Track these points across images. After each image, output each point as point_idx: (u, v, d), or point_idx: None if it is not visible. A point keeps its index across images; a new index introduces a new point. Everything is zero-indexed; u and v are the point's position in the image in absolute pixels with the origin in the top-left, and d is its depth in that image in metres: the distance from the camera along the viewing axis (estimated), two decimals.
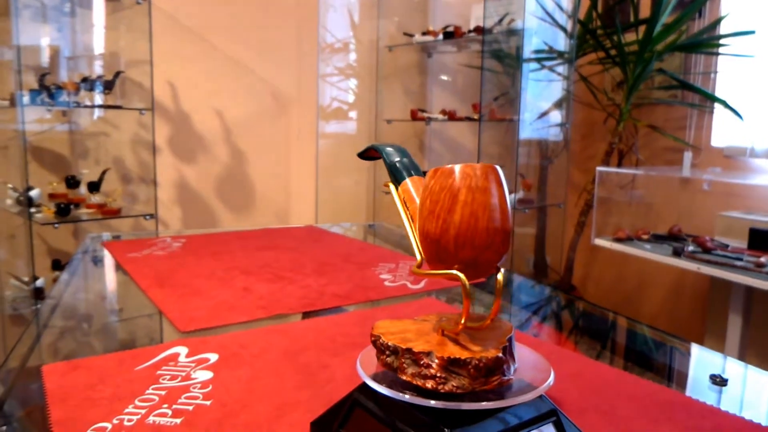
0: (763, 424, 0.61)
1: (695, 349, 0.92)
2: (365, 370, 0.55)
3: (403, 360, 0.51)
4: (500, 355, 0.48)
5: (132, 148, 2.81)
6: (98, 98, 2.54)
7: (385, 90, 3.35)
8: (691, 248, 2.35)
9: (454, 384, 0.48)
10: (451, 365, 0.48)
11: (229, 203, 3.09)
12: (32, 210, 2.41)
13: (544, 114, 3.16)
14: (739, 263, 2.12)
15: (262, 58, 3.07)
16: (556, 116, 3.20)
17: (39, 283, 2.45)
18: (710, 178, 2.69)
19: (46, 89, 2.41)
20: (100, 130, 2.78)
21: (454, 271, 0.49)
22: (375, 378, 0.53)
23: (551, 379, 0.53)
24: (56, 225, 2.38)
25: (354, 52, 3.34)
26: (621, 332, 1.04)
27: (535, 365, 0.56)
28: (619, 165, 3.13)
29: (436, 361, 0.48)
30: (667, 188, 3.00)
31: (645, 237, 2.61)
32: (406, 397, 0.49)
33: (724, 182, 2.70)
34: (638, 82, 2.86)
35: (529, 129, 3.08)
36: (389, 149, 0.62)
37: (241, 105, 3.06)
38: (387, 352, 0.53)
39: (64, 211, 2.38)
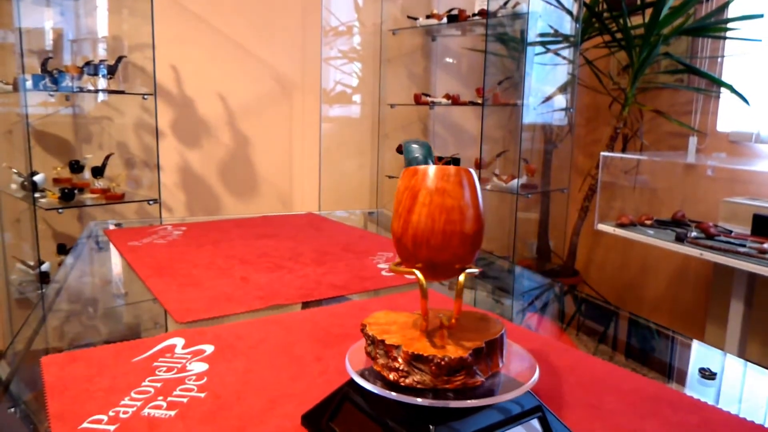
0: (749, 418, 0.62)
1: (689, 343, 0.93)
2: (355, 365, 0.56)
3: (377, 350, 0.52)
4: (465, 356, 0.48)
5: (135, 132, 2.81)
6: (102, 83, 2.54)
7: (389, 74, 3.33)
8: (694, 234, 2.35)
9: (416, 379, 0.49)
10: (414, 360, 0.49)
11: (232, 188, 3.10)
12: (36, 195, 2.42)
13: (548, 98, 3.14)
14: (742, 249, 2.11)
15: (265, 42, 3.06)
16: (561, 101, 3.18)
17: (44, 267, 2.47)
18: (714, 163, 2.67)
19: (49, 74, 2.41)
20: (104, 114, 2.79)
21: (415, 270, 0.49)
22: (363, 374, 0.54)
23: (536, 377, 0.53)
24: (60, 210, 2.40)
25: (357, 35, 3.32)
26: (618, 325, 1.05)
27: (522, 361, 0.57)
28: (624, 150, 3.11)
29: (402, 355, 0.49)
30: (671, 173, 2.99)
31: (648, 222, 2.61)
32: (393, 394, 0.50)
33: (728, 168, 2.69)
34: (644, 66, 2.83)
35: (533, 113, 3.06)
36: (413, 146, 0.62)
37: (244, 89, 3.05)
38: (368, 342, 0.54)
39: (68, 196, 2.40)
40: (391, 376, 0.50)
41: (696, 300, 2.91)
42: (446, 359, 0.48)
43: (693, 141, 2.73)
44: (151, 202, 2.65)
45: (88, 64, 2.52)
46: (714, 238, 2.29)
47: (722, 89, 2.74)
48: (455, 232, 0.48)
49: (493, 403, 0.51)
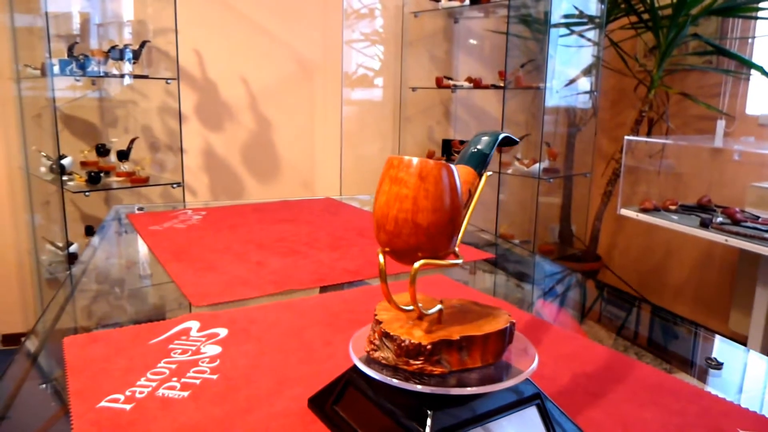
0: (751, 408, 0.62)
1: (703, 334, 0.93)
2: (358, 351, 0.58)
3: (373, 327, 0.56)
4: (425, 344, 0.50)
5: (160, 116, 2.86)
6: (128, 66, 2.58)
7: (411, 57, 3.32)
8: (719, 220, 2.31)
9: (382, 355, 0.53)
10: (384, 337, 0.53)
11: (255, 171, 3.13)
12: (64, 178, 2.49)
13: (572, 81, 3.10)
14: None
15: (287, 25, 3.07)
16: (585, 83, 3.13)
17: (73, 248, 2.54)
18: (741, 148, 2.62)
19: (75, 58, 2.45)
20: (129, 98, 2.83)
21: (379, 251, 0.53)
22: (366, 359, 0.56)
23: (534, 365, 0.55)
24: (87, 193, 2.46)
25: (379, 18, 3.31)
26: (633, 314, 1.05)
27: (522, 349, 0.58)
28: (649, 133, 3.07)
29: (378, 330, 0.54)
30: (697, 158, 2.93)
31: (672, 208, 2.57)
32: (395, 381, 0.52)
33: (757, 153, 2.63)
34: (671, 47, 2.78)
35: (556, 97, 3.03)
36: (482, 138, 0.63)
37: (267, 72, 3.07)
38: (375, 320, 0.57)
39: (94, 179, 2.45)
40: (367, 347, 0.55)
41: (720, 286, 2.87)
42: (406, 342, 0.51)
43: (721, 124, 2.68)
44: (174, 186, 2.69)
45: (113, 48, 2.56)
46: (740, 224, 2.25)
47: (752, 71, 2.67)
48: (407, 221, 0.50)
49: (491, 390, 0.52)
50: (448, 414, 0.51)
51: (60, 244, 2.61)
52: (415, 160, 0.50)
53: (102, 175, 2.52)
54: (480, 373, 0.54)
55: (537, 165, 2.92)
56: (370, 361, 0.55)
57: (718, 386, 0.72)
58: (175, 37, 2.61)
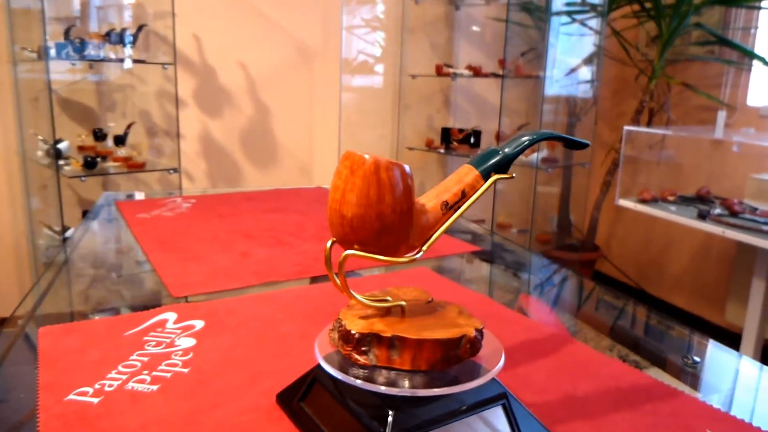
0: (723, 408, 0.62)
1: (685, 333, 0.92)
2: (324, 349, 0.57)
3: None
4: (353, 332, 0.53)
5: (158, 101, 2.85)
6: (128, 50, 2.56)
7: (411, 44, 3.29)
8: (717, 211, 2.30)
9: (332, 335, 0.56)
10: (339, 323, 0.56)
11: (253, 158, 3.13)
12: (61, 162, 2.48)
13: (573, 70, 3.07)
14: (766, 228, 2.07)
15: (286, 10, 3.04)
16: (586, 73, 3.11)
17: (69, 233, 2.55)
18: (741, 139, 2.59)
19: (72, 42, 2.44)
20: (127, 83, 2.82)
21: (328, 242, 0.55)
22: (329, 358, 0.55)
23: (500, 364, 0.54)
24: (83, 178, 2.46)
25: (380, 3, 3.28)
26: (620, 311, 1.04)
27: (489, 347, 0.58)
28: (650, 123, 3.04)
29: (340, 314, 0.57)
30: (697, 148, 2.91)
31: (671, 198, 2.56)
32: (358, 382, 0.51)
33: (757, 144, 2.61)
34: (674, 37, 2.75)
35: (556, 86, 3.00)
36: (518, 137, 0.61)
37: (265, 58, 3.05)
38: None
39: (90, 164, 2.45)
40: (328, 328, 0.58)
41: (718, 277, 2.86)
42: (343, 327, 0.54)
43: (721, 115, 2.65)
44: (171, 172, 2.69)
45: (110, 32, 2.54)
46: (738, 216, 2.24)
47: (754, 62, 2.65)
48: (335, 211, 0.52)
49: (455, 392, 0.51)
50: (411, 414, 0.51)
51: (57, 229, 2.62)
52: (357, 156, 0.52)
53: (98, 160, 2.52)
54: (445, 372, 0.53)
55: (535, 155, 2.90)
56: (335, 358, 0.55)
57: (695, 385, 0.72)
58: (173, 21, 2.59)
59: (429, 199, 0.57)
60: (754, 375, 0.76)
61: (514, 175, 0.60)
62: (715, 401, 0.64)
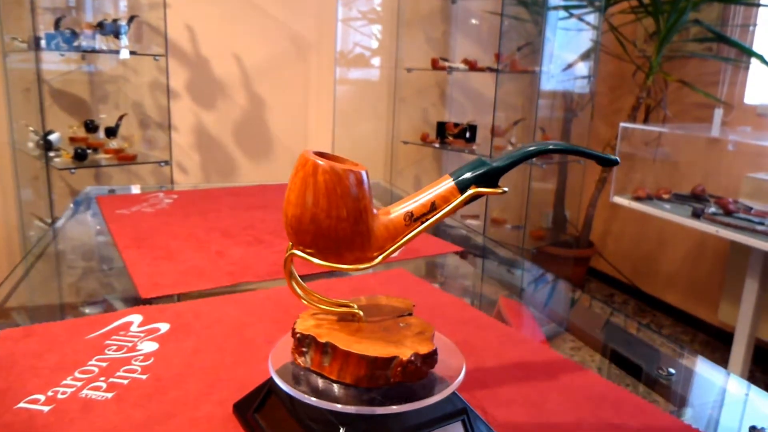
0: (694, 424, 0.60)
1: (666, 343, 0.90)
2: (282, 358, 0.55)
3: None
4: (295, 330, 0.53)
5: (151, 93, 2.82)
6: (124, 40, 2.53)
7: (407, 37, 3.26)
8: (711, 210, 2.28)
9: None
10: (298, 321, 0.56)
11: (247, 150, 3.10)
12: (52, 154, 2.46)
13: (570, 66, 3.04)
14: (760, 228, 2.05)
15: (281, 1, 3.01)
16: (582, 68, 3.08)
17: (60, 224, 2.53)
18: (737, 138, 2.57)
19: (62, 33, 2.41)
20: (120, 74, 2.79)
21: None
22: (285, 369, 0.54)
23: (460, 378, 0.52)
24: (73, 170, 2.44)
25: None
26: (598, 319, 1.03)
27: (450, 360, 0.56)
28: (646, 120, 3.02)
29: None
30: (693, 146, 2.89)
31: (666, 196, 2.54)
32: (307, 398, 0.50)
33: (753, 143, 2.58)
34: (671, 33, 2.72)
35: (553, 81, 2.97)
36: (517, 150, 0.55)
37: (259, 49, 3.02)
38: None
39: (81, 156, 2.43)
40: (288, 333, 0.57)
41: (711, 276, 2.84)
42: (297, 334, 0.53)
43: (718, 113, 2.63)
44: (162, 164, 2.67)
45: (102, 22, 2.51)
46: (732, 215, 2.22)
47: (752, 60, 2.62)
48: (283, 210, 0.52)
49: (411, 409, 0.50)
50: (364, 431, 0.49)
51: (48, 220, 2.60)
52: (304, 157, 0.51)
53: (90, 151, 2.49)
54: (406, 386, 0.51)
55: None
56: (291, 371, 0.53)
57: (668, 397, 0.70)
58: (164, 11, 2.56)
59: (398, 208, 0.55)
60: (731, 390, 0.74)
61: (506, 189, 0.54)
62: (688, 416, 0.63)
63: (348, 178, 0.51)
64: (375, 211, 0.55)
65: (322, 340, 0.51)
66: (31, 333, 0.74)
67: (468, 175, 0.53)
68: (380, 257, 0.53)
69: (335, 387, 0.51)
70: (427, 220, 0.53)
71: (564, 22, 2.97)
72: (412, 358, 0.50)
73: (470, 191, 0.53)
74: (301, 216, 0.51)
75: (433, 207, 0.54)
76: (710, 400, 0.69)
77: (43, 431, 0.55)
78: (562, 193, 3.25)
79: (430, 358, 0.51)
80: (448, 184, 0.54)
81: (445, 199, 0.53)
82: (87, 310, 0.85)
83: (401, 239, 0.53)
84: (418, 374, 0.51)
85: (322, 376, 0.52)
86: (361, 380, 0.50)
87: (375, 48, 3.29)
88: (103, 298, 0.91)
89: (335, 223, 0.51)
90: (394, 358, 0.49)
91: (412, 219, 0.54)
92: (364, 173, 0.54)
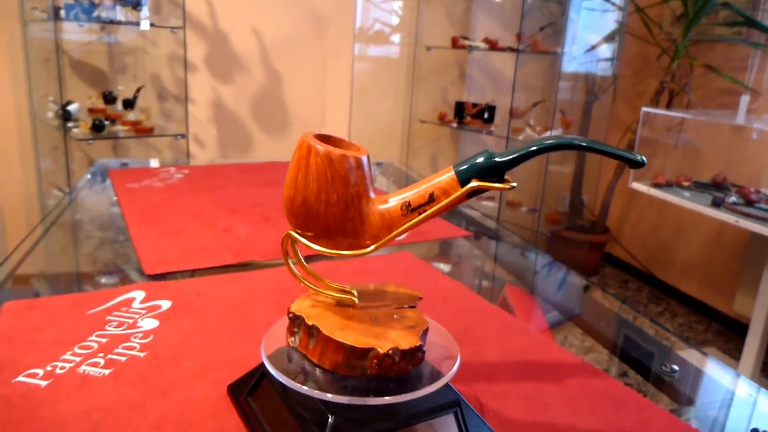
0: (693, 424, 0.59)
1: (674, 339, 0.89)
2: (272, 346, 0.55)
3: None
4: (289, 311, 0.54)
5: (169, 65, 2.82)
6: (143, 11, 2.52)
7: (427, 14, 3.20)
8: (732, 199, 2.23)
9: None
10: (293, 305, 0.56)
11: (264, 125, 3.10)
12: (70, 124, 2.48)
13: (593, 47, 2.97)
14: None
15: None
16: (606, 50, 3.01)
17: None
18: (762, 126, 2.50)
19: (80, 3, 2.41)
20: (138, 46, 2.79)
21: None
22: (279, 353, 0.53)
23: (454, 370, 0.52)
24: (90, 141, 2.45)
25: None
26: (605, 310, 1.01)
27: (446, 351, 0.55)
28: (669, 105, 2.95)
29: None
30: (717, 133, 2.82)
31: (686, 184, 2.49)
32: (304, 388, 0.49)
33: None
34: (700, 16, 2.64)
35: (575, 63, 2.91)
36: (530, 144, 0.53)
37: (279, 24, 2.99)
38: None
39: (98, 127, 2.44)
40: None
41: (729, 266, 2.80)
42: (290, 313, 0.54)
43: (744, 100, 2.56)
44: (178, 137, 2.67)
45: None
46: (753, 205, 2.18)
47: None
48: (284, 195, 0.52)
49: (403, 401, 0.49)
50: (353, 421, 0.49)
51: (67, 190, 2.63)
52: (303, 138, 0.51)
53: (107, 123, 2.50)
54: (400, 377, 0.51)
55: (548, 133, 2.83)
56: (284, 356, 0.53)
57: (671, 395, 0.69)
58: None
59: (396, 197, 0.54)
60: (737, 390, 0.72)
61: (514, 184, 0.51)
62: (688, 415, 0.61)
63: (341, 163, 0.50)
64: (372, 195, 0.53)
65: (310, 323, 0.51)
66: (34, 306, 0.75)
67: (470, 167, 0.51)
68: (373, 246, 0.52)
69: (327, 375, 0.51)
70: (424, 211, 0.52)
71: (588, 2, 2.90)
72: (390, 352, 0.48)
73: (471, 184, 0.50)
74: (293, 198, 0.51)
75: (431, 198, 0.52)
76: (714, 400, 0.68)
77: (39, 406, 0.56)
78: (579, 177, 3.20)
79: (412, 354, 0.50)
80: (449, 175, 0.52)
81: (445, 191, 0.51)
82: (98, 280, 0.86)
83: (396, 229, 0.52)
84: (397, 369, 0.49)
85: (308, 360, 0.51)
86: (338, 367, 0.49)
87: (395, 25, 3.24)
88: (109, 271, 0.92)
89: (324, 207, 0.50)
90: (371, 349, 0.48)
91: (409, 209, 0.52)
92: (364, 158, 0.53)
